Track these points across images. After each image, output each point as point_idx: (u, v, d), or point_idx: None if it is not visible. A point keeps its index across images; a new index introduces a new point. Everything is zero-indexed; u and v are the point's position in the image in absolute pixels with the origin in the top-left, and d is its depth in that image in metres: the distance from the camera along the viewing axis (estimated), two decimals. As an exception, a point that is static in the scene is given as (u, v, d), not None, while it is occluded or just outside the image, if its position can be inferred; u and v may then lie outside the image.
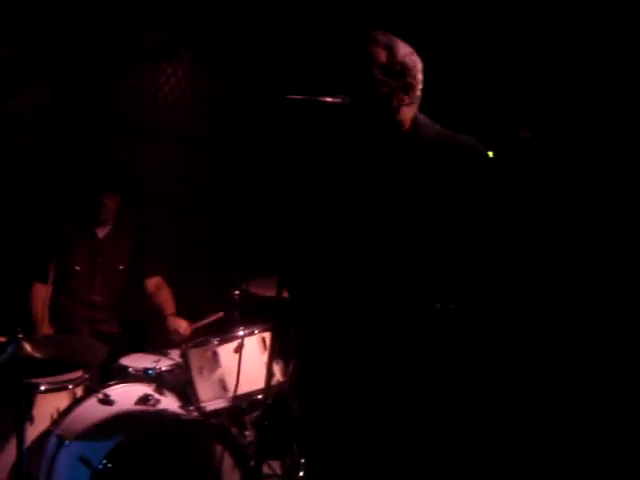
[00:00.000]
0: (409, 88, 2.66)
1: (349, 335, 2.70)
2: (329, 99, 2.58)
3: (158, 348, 4.22)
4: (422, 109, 2.76)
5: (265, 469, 4.02)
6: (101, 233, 4.57)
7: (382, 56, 2.63)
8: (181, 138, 5.43)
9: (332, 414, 2.76)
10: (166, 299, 4.63)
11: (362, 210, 2.70)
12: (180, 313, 4.57)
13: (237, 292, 4.08)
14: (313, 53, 4.76)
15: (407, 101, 2.66)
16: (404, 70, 2.64)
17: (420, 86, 2.70)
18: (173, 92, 5.35)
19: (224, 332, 3.90)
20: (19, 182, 4.86)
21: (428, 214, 2.61)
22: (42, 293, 4.45)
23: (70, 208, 4.61)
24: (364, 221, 2.69)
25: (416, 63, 2.68)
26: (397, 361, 2.64)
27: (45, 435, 3.53)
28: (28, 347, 3.18)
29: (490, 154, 3.42)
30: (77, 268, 4.49)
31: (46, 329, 4.37)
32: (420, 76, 2.69)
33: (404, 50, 2.66)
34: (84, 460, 3.30)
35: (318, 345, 2.81)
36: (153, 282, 4.72)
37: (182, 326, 4.40)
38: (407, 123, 2.70)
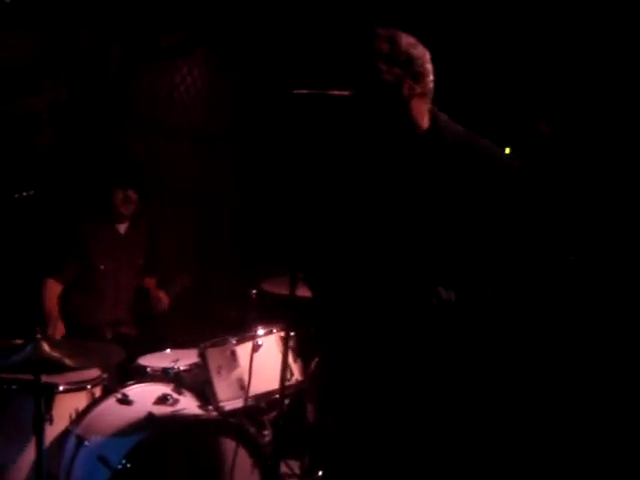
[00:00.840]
0: (418, 76, 2.60)
1: (367, 333, 2.68)
2: (336, 92, 2.55)
3: (175, 347, 4.22)
4: (440, 105, 2.72)
5: (284, 468, 4.01)
6: (122, 229, 4.58)
7: (384, 48, 2.59)
8: (196, 136, 5.43)
9: (349, 418, 2.73)
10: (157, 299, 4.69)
11: (376, 208, 2.67)
12: (197, 312, 4.58)
13: (254, 291, 4.06)
14: (325, 49, 4.73)
15: (418, 90, 2.61)
16: (410, 59, 2.60)
17: (431, 77, 2.64)
18: (188, 90, 5.35)
19: (242, 331, 3.88)
20: (35, 180, 4.85)
21: (445, 215, 2.58)
22: (54, 289, 4.45)
23: (88, 206, 4.62)
24: (378, 219, 2.66)
25: (423, 53, 2.63)
26: (414, 358, 2.61)
27: (64, 435, 3.52)
28: (46, 347, 3.19)
29: (507, 150, 3.39)
30: (102, 267, 4.49)
31: (58, 326, 4.38)
32: (429, 66, 2.64)
33: (407, 40, 2.62)
34: (103, 460, 3.30)
35: (335, 343, 2.79)
36: (151, 282, 4.73)
37: (163, 298, 4.52)
38: (424, 119, 2.64)
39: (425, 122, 2.66)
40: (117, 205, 4.50)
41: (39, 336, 3.20)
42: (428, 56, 2.64)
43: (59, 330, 4.37)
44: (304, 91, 2.53)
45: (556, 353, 3.72)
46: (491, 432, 2.70)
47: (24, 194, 3.16)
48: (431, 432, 2.63)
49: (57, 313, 4.42)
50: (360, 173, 2.73)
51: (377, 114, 2.63)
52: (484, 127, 2.73)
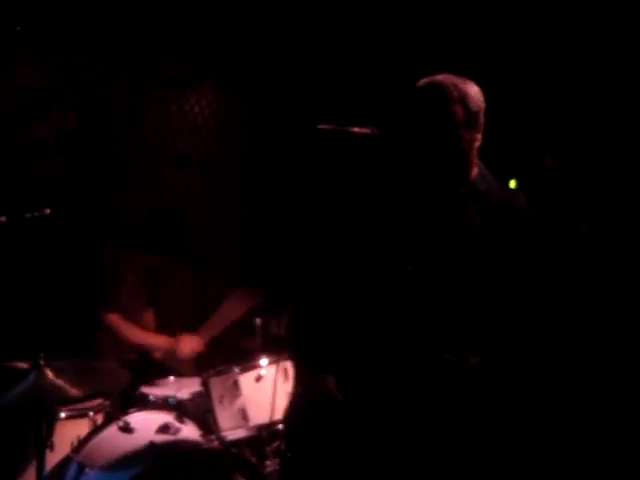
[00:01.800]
0: (481, 127, 2.57)
1: (366, 390, 2.61)
2: (357, 130, 2.52)
3: (178, 375, 4.21)
4: None
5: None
6: None
7: (460, 114, 2.51)
8: (204, 165, 5.44)
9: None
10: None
11: (390, 257, 2.59)
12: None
13: (259, 321, 4.07)
14: (337, 80, 4.77)
15: (479, 140, 2.57)
16: (479, 115, 2.56)
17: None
18: (197, 120, 5.37)
19: (245, 361, 3.88)
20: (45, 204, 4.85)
21: (474, 276, 2.50)
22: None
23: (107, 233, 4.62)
24: (390, 271, 2.58)
25: (482, 102, 2.59)
26: (417, 418, 2.55)
27: (65, 462, 3.51)
28: (50, 374, 3.18)
29: (513, 183, 3.39)
30: None
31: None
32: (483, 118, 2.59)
33: (475, 95, 2.56)
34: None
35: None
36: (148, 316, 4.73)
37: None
38: (474, 169, 2.59)
39: (474, 172, 2.61)
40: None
41: (42, 362, 3.20)
42: (484, 105, 2.60)
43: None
44: (326, 127, 2.51)
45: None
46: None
47: (37, 213, 3.17)
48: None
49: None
50: (377, 217, 2.67)
51: (429, 168, 2.55)
52: (489, 160, 2.72)
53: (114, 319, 4.44)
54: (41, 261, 4.70)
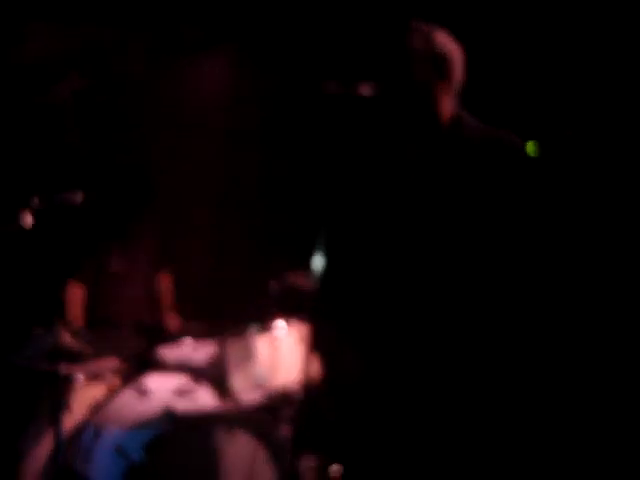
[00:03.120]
0: (448, 76, 2.61)
1: (387, 338, 2.64)
2: (364, 90, 2.53)
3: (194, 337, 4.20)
4: (468, 103, 2.70)
5: (303, 463, 3.99)
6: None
7: (419, 44, 2.58)
8: (221, 132, 5.39)
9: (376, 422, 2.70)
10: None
11: (400, 208, 2.64)
12: (220, 307, 4.55)
13: (276, 284, 4.04)
14: (351, 43, 4.69)
15: (447, 89, 2.61)
16: (442, 58, 2.59)
17: (460, 76, 2.64)
18: (212, 86, 5.32)
19: (262, 324, 3.87)
20: (61, 179, 4.83)
21: (467, 212, 2.55)
22: (77, 293, 4.43)
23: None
24: (403, 219, 2.63)
25: (454, 52, 2.63)
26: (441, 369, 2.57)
27: (82, 425, 3.52)
28: (66, 336, 3.19)
29: (531, 145, 3.34)
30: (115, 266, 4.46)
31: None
32: (459, 65, 2.63)
33: (442, 38, 2.62)
34: (120, 450, 3.30)
35: (358, 342, 2.75)
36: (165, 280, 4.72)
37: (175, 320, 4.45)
38: (447, 116, 2.64)
39: (448, 114, 2.64)
40: None
41: (58, 325, 3.21)
42: (459, 55, 2.64)
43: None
44: (332, 89, 2.52)
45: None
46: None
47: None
48: (454, 434, 2.59)
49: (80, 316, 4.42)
50: (384, 171, 2.72)
51: (403, 111, 2.62)
52: (511, 125, 2.70)
53: (75, 291, 4.42)
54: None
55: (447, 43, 2.62)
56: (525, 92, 4.34)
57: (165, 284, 4.69)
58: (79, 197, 3.25)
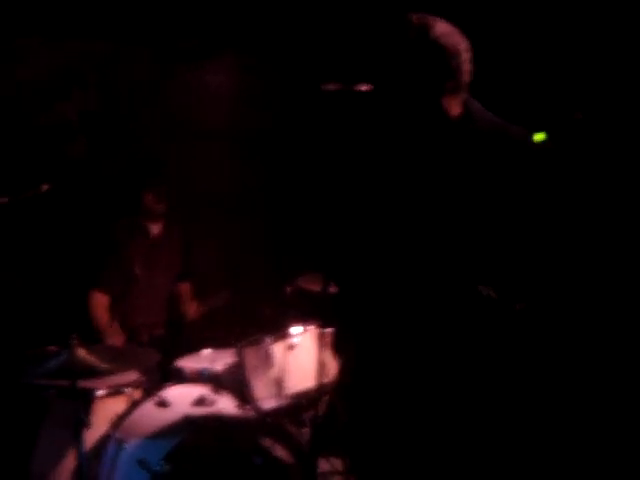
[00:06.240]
0: (450, 71, 2.46)
1: (404, 331, 2.62)
2: (364, 87, 2.48)
3: (212, 347, 4.22)
4: (477, 90, 2.60)
5: (326, 466, 3.98)
6: (155, 229, 4.59)
7: (413, 38, 2.44)
8: (229, 137, 5.41)
9: (384, 415, 2.67)
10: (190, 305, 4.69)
11: (409, 203, 2.60)
12: (232, 311, 4.58)
13: (289, 288, 4.05)
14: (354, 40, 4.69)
15: (451, 87, 2.48)
16: (442, 52, 2.44)
17: (465, 69, 2.50)
18: (218, 91, 5.34)
19: (278, 329, 3.87)
20: (69, 189, 4.87)
21: (477, 204, 2.50)
22: (102, 300, 4.47)
23: (119, 211, 4.64)
24: (412, 214, 2.58)
25: (457, 44, 2.46)
26: (452, 356, 2.54)
27: (104, 439, 3.53)
28: (82, 352, 3.21)
29: (541, 135, 3.32)
30: (137, 271, 4.50)
31: (116, 335, 4.41)
32: (465, 57, 2.48)
33: (441, 30, 2.46)
34: (143, 463, 3.30)
35: (367, 342, 2.73)
36: (185, 288, 4.73)
37: (195, 307, 4.54)
38: (455, 110, 2.53)
39: (456, 112, 2.53)
40: (148, 204, 4.51)
41: (74, 342, 3.22)
42: (464, 46, 2.49)
43: (118, 338, 4.41)
44: (331, 87, 2.47)
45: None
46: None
47: (36, 190, 3.15)
48: (464, 431, 2.56)
49: (113, 322, 4.45)
50: (391, 167, 2.67)
51: (403, 110, 2.51)
52: (519, 113, 2.65)
53: (98, 298, 4.45)
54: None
55: (446, 35, 2.45)
56: (533, 77, 4.32)
57: (184, 290, 4.73)
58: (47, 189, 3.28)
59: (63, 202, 4.75)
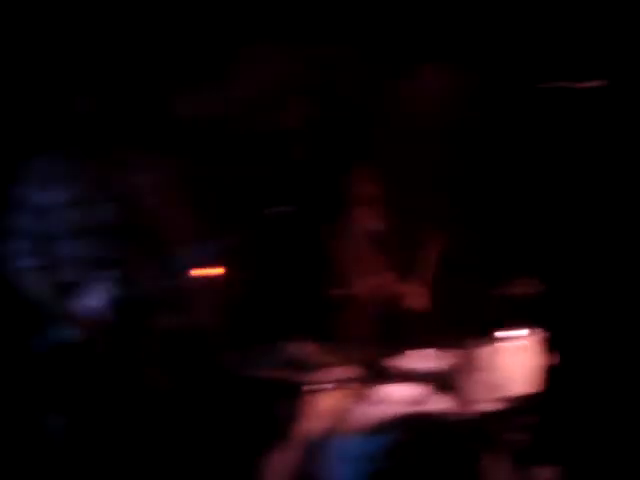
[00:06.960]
0: None
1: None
2: (586, 84, 2.42)
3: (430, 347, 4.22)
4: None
5: (543, 474, 3.89)
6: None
7: None
8: (445, 137, 5.39)
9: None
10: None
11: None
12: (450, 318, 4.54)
13: (503, 292, 4.00)
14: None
15: None
16: None
17: None
18: (433, 93, 5.34)
19: (501, 332, 3.83)
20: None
21: None
22: None
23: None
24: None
25: None
26: None
27: (323, 434, 3.63)
28: (305, 347, 3.34)
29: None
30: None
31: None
32: None
33: None
34: (363, 457, 3.39)
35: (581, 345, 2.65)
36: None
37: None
38: None
39: None
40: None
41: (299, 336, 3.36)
42: None
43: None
44: (549, 84, 2.45)
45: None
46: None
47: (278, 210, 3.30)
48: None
49: None
50: (621, 168, 2.59)
51: None
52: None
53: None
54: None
55: None
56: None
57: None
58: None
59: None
